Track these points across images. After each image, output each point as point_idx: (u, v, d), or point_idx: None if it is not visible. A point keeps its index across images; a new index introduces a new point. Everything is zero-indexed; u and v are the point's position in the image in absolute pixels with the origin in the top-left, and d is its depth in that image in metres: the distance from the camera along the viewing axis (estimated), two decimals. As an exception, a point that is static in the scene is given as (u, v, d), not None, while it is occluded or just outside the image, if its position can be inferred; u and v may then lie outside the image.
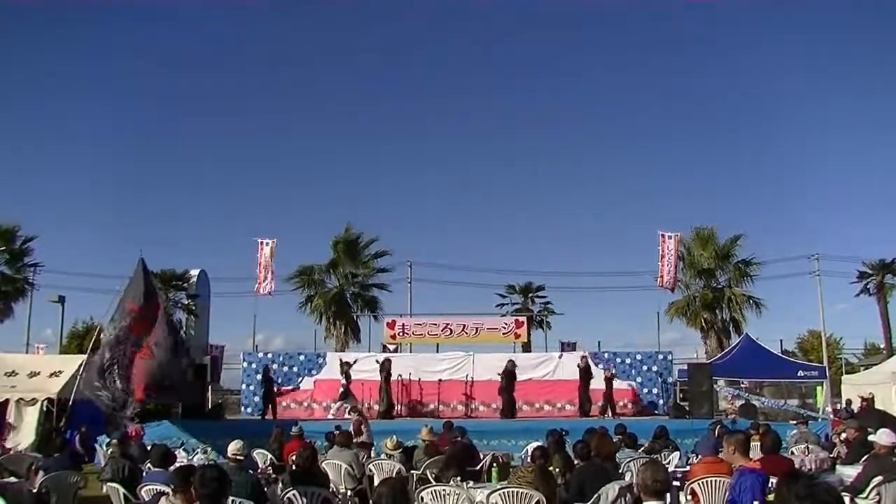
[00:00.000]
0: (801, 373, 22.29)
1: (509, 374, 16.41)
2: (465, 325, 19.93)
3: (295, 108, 60.80)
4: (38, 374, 16.70)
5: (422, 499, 6.68)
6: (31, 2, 51.32)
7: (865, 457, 7.65)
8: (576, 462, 7.60)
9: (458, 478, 7.52)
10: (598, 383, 16.72)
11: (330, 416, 16.16)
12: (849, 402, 15.77)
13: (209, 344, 25.99)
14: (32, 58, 54.60)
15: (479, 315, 21.12)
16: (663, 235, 22.22)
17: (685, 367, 20.35)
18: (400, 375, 17.45)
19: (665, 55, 56.90)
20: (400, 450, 9.87)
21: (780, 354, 23.75)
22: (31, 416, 15.87)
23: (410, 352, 20.78)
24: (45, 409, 15.80)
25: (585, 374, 16.61)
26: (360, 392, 17.22)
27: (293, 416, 16.15)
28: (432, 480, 7.92)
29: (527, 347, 21.53)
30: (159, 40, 55.04)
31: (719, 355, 22.83)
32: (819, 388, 22.86)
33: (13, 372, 16.75)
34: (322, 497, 6.59)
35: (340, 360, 17.47)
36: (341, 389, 16.61)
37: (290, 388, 18.22)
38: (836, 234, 57.44)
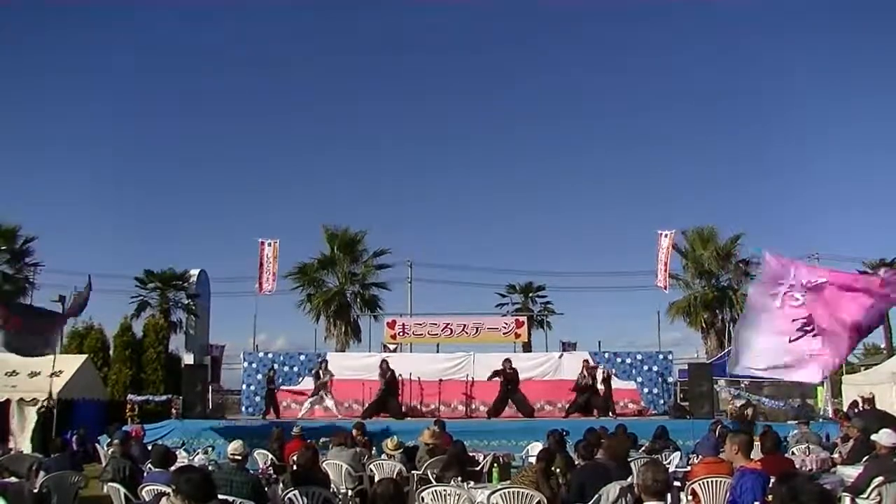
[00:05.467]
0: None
1: (510, 374, 16.42)
2: (465, 325, 19.92)
3: (295, 107, 60.74)
4: (38, 374, 16.71)
5: (422, 499, 6.69)
6: (31, 2, 51.34)
7: (866, 457, 7.65)
8: (577, 462, 7.61)
9: (459, 478, 7.52)
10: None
11: (299, 416, 16.16)
12: (854, 402, 15.76)
13: (209, 344, 25.98)
14: (32, 58, 54.61)
15: (479, 315, 21.13)
16: (661, 234, 22.22)
17: (685, 367, 20.34)
18: (400, 375, 17.46)
19: (665, 55, 56.89)
20: (401, 450, 9.85)
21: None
22: (32, 415, 15.90)
23: (411, 352, 20.77)
24: (44, 408, 15.84)
25: (593, 381, 16.61)
26: (360, 392, 17.22)
27: (293, 416, 16.16)
28: (433, 481, 7.92)
29: (527, 347, 21.50)
30: (159, 40, 55.02)
31: (719, 355, 22.82)
32: (819, 388, 22.82)
33: (13, 372, 16.77)
34: (323, 497, 6.59)
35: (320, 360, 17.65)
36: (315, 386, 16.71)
37: (290, 388, 18.24)
38: (836, 234, 57.38)
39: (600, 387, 16.65)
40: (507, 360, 16.79)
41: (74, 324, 26.88)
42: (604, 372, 16.88)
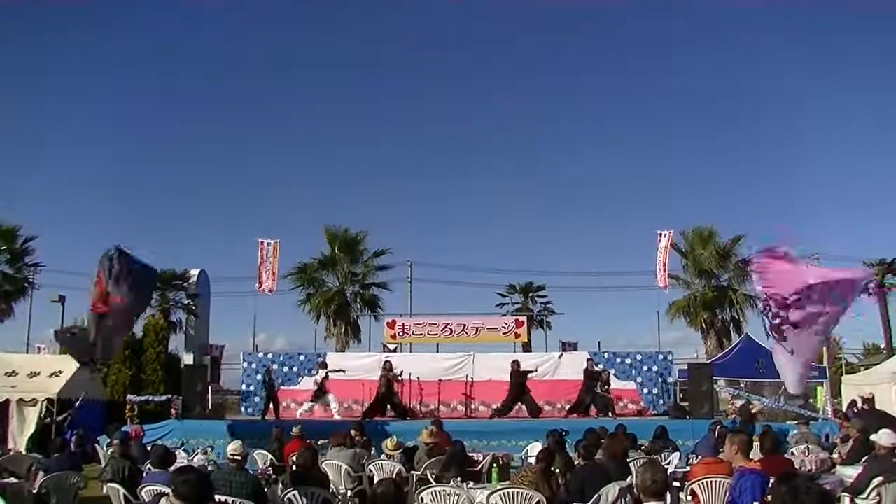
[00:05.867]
0: (800, 373, 22.14)
1: (520, 373, 16.44)
2: (465, 325, 19.92)
3: (295, 108, 60.74)
4: (38, 374, 16.70)
5: (422, 499, 6.69)
6: (31, 2, 51.32)
7: (865, 457, 7.66)
8: (577, 462, 7.61)
9: (459, 478, 7.52)
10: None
11: (298, 415, 16.17)
12: (853, 402, 15.77)
13: (209, 344, 25.98)
14: (32, 58, 54.60)
15: (479, 315, 21.13)
16: (659, 234, 22.26)
17: (685, 367, 20.35)
18: (400, 375, 17.46)
19: (665, 55, 56.89)
20: (400, 450, 9.85)
21: (780, 354, 23.65)
22: (32, 416, 15.89)
23: (410, 352, 20.78)
24: (45, 409, 15.82)
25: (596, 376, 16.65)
26: (360, 392, 17.21)
27: (293, 417, 16.16)
28: (432, 481, 7.92)
29: (527, 347, 21.49)
30: (159, 41, 55.02)
31: (719, 355, 22.82)
32: (819, 388, 22.84)
33: (13, 372, 16.75)
34: (322, 497, 6.60)
35: (320, 362, 17.64)
36: (315, 388, 16.70)
37: (290, 387, 18.24)
38: (836, 234, 57.36)
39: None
40: (517, 362, 16.77)
41: (74, 324, 26.94)
42: (604, 373, 16.87)
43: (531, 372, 16.77)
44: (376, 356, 18.84)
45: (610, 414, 16.00)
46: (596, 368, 16.90)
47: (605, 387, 16.53)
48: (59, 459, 8.67)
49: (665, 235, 22.14)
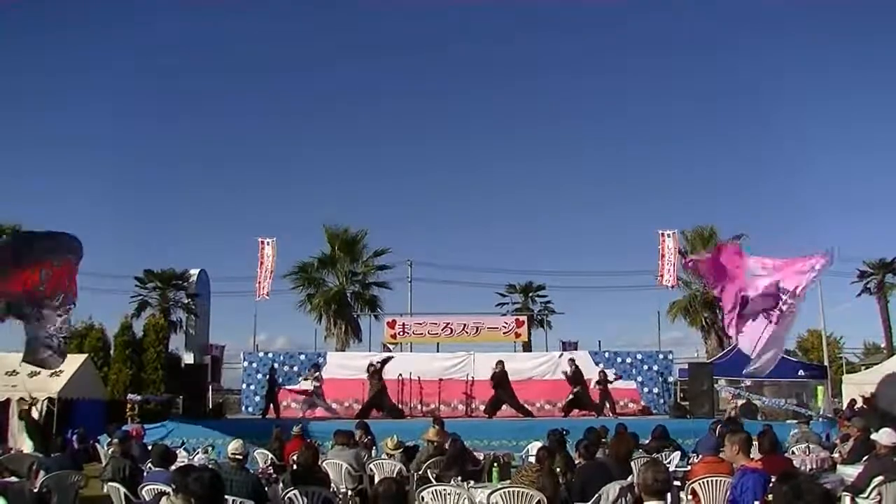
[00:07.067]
0: (801, 372, 22.25)
1: (501, 375, 16.41)
2: (465, 325, 19.92)
3: (295, 108, 60.83)
4: (38, 374, 16.72)
5: (422, 499, 6.68)
6: (31, 2, 51.35)
7: (866, 457, 7.67)
8: (577, 461, 7.61)
9: (459, 478, 7.52)
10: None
11: (299, 415, 16.25)
12: (852, 402, 15.78)
13: (209, 344, 25.96)
14: (32, 58, 54.62)
15: (480, 315, 21.14)
16: (662, 234, 22.24)
17: (686, 366, 20.35)
18: (400, 375, 17.44)
19: (665, 55, 56.91)
20: (400, 450, 9.83)
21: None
22: (32, 415, 15.89)
23: (411, 351, 20.77)
24: (44, 409, 15.83)
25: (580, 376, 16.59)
26: (360, 392, 17.21)
27: (294, 416, 16.16)
28: (433, 480, 7.92)
29: (527, 347, 21.51)
30: (159, 40, 55.04)
31: (720, 355, 22.83)
32: (819, 388, 22.85)
33: (13, 372, 16.76)
34: (323, 497, 6.59)
35: (316, 364, 17.77)
36: (312, 389, 16.80)
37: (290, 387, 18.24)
38: (836, 234, 57.41)
39: (595, 387, 16.62)
40: (500, 362, 16.75)
41: (74, 323, 26.87)
42: (600, 374, 16.84)
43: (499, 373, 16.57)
44: (377, 356, 18.84)
45: (608, 413, 16.00)
46: (574, 368, 16.76)
47: (577, 387, 16.46)
48: (59, 458, 8.67)
49: (669, 235, 22.13)
